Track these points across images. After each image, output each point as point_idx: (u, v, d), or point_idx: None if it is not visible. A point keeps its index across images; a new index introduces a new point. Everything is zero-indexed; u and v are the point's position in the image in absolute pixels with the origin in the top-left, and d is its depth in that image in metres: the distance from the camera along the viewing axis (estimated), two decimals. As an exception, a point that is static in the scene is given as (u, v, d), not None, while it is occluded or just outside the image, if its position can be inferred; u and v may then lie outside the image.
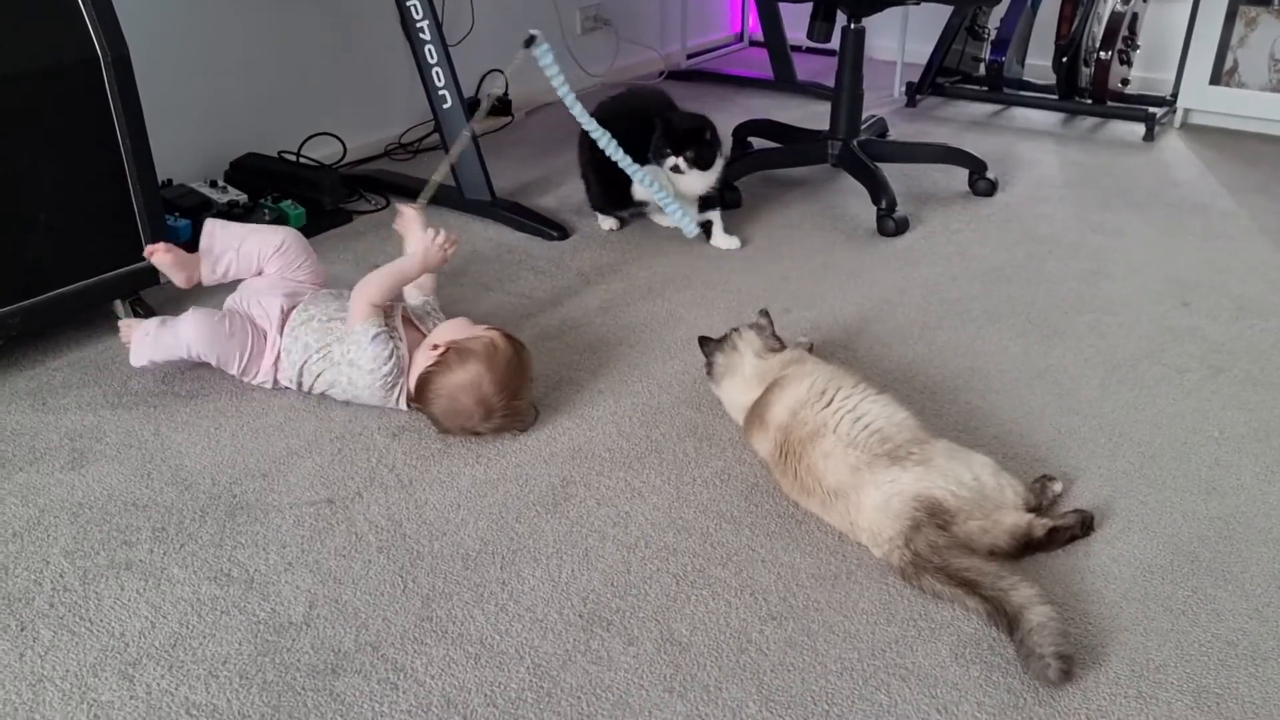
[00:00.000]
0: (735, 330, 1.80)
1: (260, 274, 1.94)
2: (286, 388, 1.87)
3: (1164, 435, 1.75)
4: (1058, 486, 1.57)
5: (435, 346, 1.76)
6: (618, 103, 2.57)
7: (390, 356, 1.76)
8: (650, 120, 2.47)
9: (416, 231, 2.01)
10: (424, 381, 1.73)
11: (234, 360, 1.83)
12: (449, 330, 1.81)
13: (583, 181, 2.67)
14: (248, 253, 1.94)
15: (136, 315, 2.06)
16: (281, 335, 1.84)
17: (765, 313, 1.85)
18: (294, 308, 1.86)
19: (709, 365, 1.79)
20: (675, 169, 2.42)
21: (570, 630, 1.33)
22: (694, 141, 2.43)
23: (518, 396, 1.73)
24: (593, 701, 1.23)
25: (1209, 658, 1.29)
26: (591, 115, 2.29)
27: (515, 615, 1.36)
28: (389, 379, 1.77)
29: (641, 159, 2.38)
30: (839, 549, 1.48)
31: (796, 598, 1.39)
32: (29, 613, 1.36)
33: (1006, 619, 1.27)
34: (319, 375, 1.81)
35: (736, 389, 1.73)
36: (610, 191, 2.58)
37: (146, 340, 1.87)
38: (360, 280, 1.83)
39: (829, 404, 1.56)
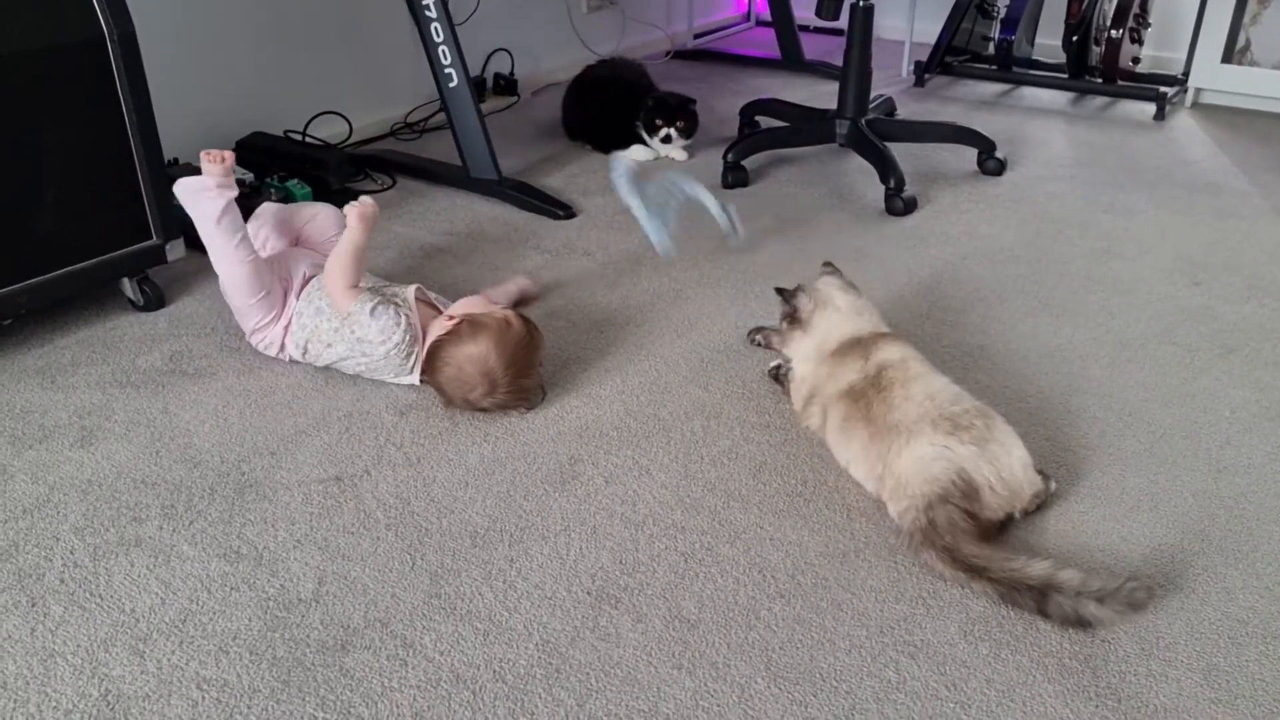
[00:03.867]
0: (807, 286, 1.80)
1: (296, 244, 2.02)
2: (293, 360, 1.87)
3: (1174, 414, 1.74)
4: (1052, 485, 1.53)
5: (451, 318, 1.78)
6: (600, 68, 3.14)
7: (399, 324, 1.76)
8: (628, 87, 3.00)
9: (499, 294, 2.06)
10: (434, 350, 1.75)
11: (253, 317, 1.85)
12: (466, 304, 1.85)
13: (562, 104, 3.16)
14: (283, 223, 2.02)
15: (144, 294, 2.06)
16: (297, 300, 1.85)
17: (830, 264, 1.88)
18: (315, 277, 1.88)
19: (795, 313, 1.75)
20: (667, 139, 2.91)
21: (579, 607, 1.34)
22: (684, 114, 2.92)
23: (524, 375, 1.73)
24: (601, 678, 1.23)
25: (1219, 636, 1.29)
26: (575, 80, 3.09)
27: (524, 592, 1.36)
28: (403, 348, 1.77)
29: (619, 126, 2.95)
30: (847, 527, 1.48)
31: (805, 575, 1.39)
32: (40, 589, 1.37)
33: (1032, 592, 1.27)
34: (329, 346, 1.81)
35: (835, 323, 1.71)
36: (570, 120, 3.11)
37: (205, 201, 1.81)
38: (324, 273, 1.84)
39: (933, 371, 1.60)
